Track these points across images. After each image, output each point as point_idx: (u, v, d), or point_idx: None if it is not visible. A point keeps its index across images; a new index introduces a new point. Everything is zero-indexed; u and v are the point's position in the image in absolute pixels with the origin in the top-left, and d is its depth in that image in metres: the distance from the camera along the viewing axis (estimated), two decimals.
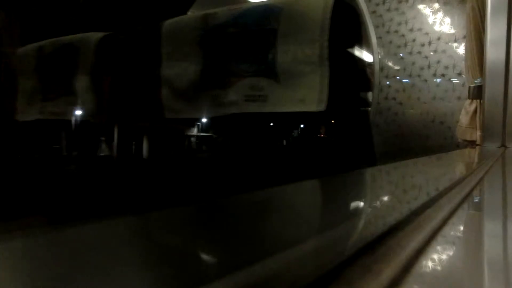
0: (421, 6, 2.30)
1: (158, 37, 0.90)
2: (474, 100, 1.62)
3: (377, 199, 0.35)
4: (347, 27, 0.78)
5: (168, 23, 0.90)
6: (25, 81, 1.10)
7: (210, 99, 0.84)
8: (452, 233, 0.25)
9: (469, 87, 1.65)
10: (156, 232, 0.21)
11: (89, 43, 1.00)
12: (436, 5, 2.26)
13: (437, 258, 0.19)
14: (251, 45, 0.78)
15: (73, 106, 1.02)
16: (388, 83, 2.40)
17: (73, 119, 1.02)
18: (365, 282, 0.15)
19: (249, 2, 0.94)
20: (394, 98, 2.39)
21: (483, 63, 1.47)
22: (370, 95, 2.37)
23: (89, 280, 0.13)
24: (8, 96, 1.13)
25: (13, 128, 1.11)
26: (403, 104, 2.36)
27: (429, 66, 2.26)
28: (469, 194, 0.36)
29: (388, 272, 0.16)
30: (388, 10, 2.39)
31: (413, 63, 2.31)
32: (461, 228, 0.27)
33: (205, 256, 0.18)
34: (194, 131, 1.16)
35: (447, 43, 2.22)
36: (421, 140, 2.30)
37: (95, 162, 0.98)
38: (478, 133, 1.56)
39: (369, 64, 2.38)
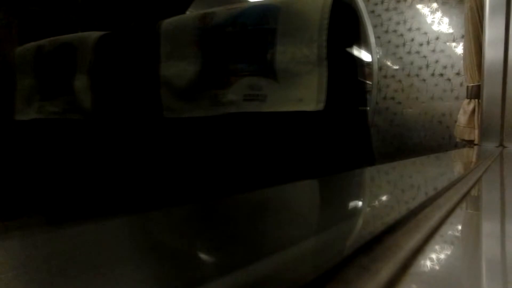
0: (419, 6, 2.31)
1: (157, 37, 0.90)
2: (472, 100, 1.62)
3: (375, 199, 0.35)
4: (346, 26, 0.78)
5: (167, 22, 0.90)
6: (23, 80, 1.10)
7: (209, 99, 0.84)
8: (450, 232, 0.25)
9: (467, 86, 1.66)
10: (154, 231, 0.21)
11: (87, 43, 1.00)
12: (435, 5, 2.26)
13: (435, 258, 0.19)
14: (249, 44, 0.78)
15: (71, 105, 1.02)
16: (386, 82, 2.40)
17: (71, 118, 1.02)
18: (363, 282, 0.15)
19: (248, 1, 0.94)
20: (392, 98, 2.39)
21: (481, 63, 1.47)
22: (368, 94, 2.37)
23: (88, 279, 0.13)
24: (6, 95, 1.12)
25: (11, 128, 1.11)
26: (402, 103, 2.36)
27: (427, 66, 2.27)
28: (467, 194, 0.36)
29: (386, 271, 0.16)
30: (387, 9, 2.40)
31: (412, 63, 2.32)
32: (459, 227, 0.27)
33: (203, 256, 0.18)
34: (193, 131, 1.16)
35: (445, 42, 2.22)
36: (420, 139, 2.31)
37: (92, 162, 0.98)
38: (476, 132, 1.57)
39: (368, 63, 2.39)
